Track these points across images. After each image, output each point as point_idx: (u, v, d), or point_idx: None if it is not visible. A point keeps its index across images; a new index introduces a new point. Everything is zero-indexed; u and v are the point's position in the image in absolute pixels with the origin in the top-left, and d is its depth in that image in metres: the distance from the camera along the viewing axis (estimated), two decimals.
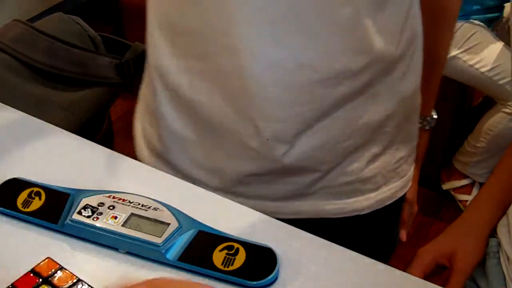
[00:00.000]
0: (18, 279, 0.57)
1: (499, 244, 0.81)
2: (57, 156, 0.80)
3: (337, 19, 0.64)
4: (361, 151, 0.75)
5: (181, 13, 0.67)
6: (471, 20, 1.83)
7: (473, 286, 0.82)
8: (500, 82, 1.82)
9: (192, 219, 0.68)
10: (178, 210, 0.68)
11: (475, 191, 2.04)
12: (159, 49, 0.72)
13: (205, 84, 0.69)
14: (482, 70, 1.81)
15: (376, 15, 0.65)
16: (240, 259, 0.63)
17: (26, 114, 0.88)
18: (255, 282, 0.61)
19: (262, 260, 0.63)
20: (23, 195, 0.70)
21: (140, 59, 1.37)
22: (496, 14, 1.92)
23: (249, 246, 0.64)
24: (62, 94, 1.31)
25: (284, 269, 0.64)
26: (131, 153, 0.84)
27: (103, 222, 0.66)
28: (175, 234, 0.65)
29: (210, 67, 0.68)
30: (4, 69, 1.28)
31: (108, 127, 1.48)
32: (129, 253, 0.65)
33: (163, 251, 0.64)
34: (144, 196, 0.69)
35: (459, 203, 2.05)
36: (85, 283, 0.57)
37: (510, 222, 0.80)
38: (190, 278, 0.63)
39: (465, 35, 1.81)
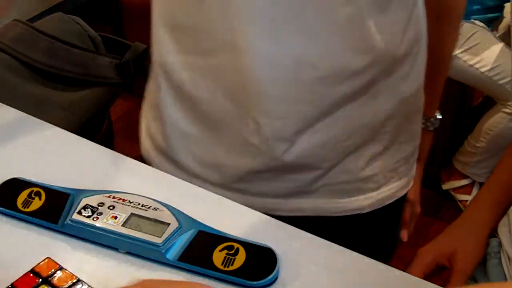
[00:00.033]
0: (17, 279, 0.57)
1: (500, 244, 0.81)
2: (57, 156, 0.80)
3: (338, 19, 0.64)
4: (362, 150, 0.75)
5: (185, 10, 0.68)
6: (471, 20, 1.83)
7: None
8: (500, 82, 1.82)
9: (192, 219, 0.68)
10: (178, 210, 0.68)
11: (475, 191, 2.04)
12: (163, 46, 0.73)
13: (206, 81, 0.70)
14: (482, 70, 1.81)
15: (377, 15, 0.65)
16: (240, 259, 0.63)
17: (26, 114, 0.88)
18: (255, 282, 0.61)
19: (262, 260, 0.63)
20: (23, 195, 0.70)
21: (140, 59, 1.37)
22: (496, 14, 1.91)
23: (249, 246, 0.64)
24: (62, 94, 1.31)
25: (284, 269, 0.64)
26: (131, 153, 0.84)
27: (103, 222, 0.66)
28: (175, 234, 0.65)
29: (211, 64, 0.69)
30: (4, 69, 1.28)
31: (108, 127, 1.48)
32: (129, 253, 0.65)
33: (163, 251, 0.64)
34: (144, 196, 0.69)
35: (459, 203, 2.05)
36: (85, 283, 0.57)
37: (511, 222, 0.80)
38: (190, 278, 0.63)
39: (465, 35, 1.81)
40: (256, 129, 0.70)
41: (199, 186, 0.78)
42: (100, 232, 0.65)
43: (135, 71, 1.37)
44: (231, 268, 0.62)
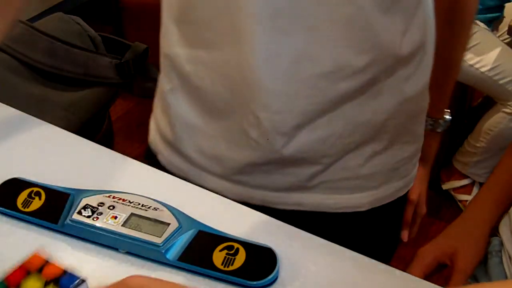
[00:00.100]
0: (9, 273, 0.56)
1: (501, 243, 0.81)
2: (57, 156, 0.80)
3: (338, 18, 0.64)
4: (362, 148, 0.75)
5: (191, 4, 0.69)
6: None
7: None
8: (500, 82, 1.82)
9: (192, 219, 0.68)
10: (178, 210, 0.68)
11: (475, 191, 2.04)
12: (170, 37, 0.74)
13: (210, 73, 0.71)
14: (482, 70, 1.81)
15: (379, 16, 0.65)
16: (240, 259, 0.63)
17: (26, 114, 0.88)
18: (255, 282, 0.61)
19: (262, 260, 0.63)
20: (23, 195, 0.70)
21: (140, 59, 1.37)
22: (496, 14, 1.91)
23: (249, 246, 0.64)
24: (62, 94, 1.31)
25: (284, 269, 0.64)
26: (131, 153, 0.84)
27: (103, 222, 0.66)
28: (175, 234, 0.65)
29: (215, 57, 0.70)
30: (4, 69, 1.28)
31: (108, 127, 1.48)
32: (129, 253, 0.65)
33: (163, 251, 0.64)
34: (144, 196, 0.69)
35: (459, 203, 2.05)
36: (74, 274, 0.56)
37: None
38: (190, 278, 0.63)
39: None
40: (255, 123, 0.70)
41: (203, 177, 0.79)
42: (100, 232, 0.65)
43: (135, 71, 1.37)
44: (231, 268, 0.62)
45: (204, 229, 0.67)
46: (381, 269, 0.66)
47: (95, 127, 1.42)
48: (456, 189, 2.06)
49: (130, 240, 0.64)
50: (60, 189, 0.71)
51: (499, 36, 1.95)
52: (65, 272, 0.53)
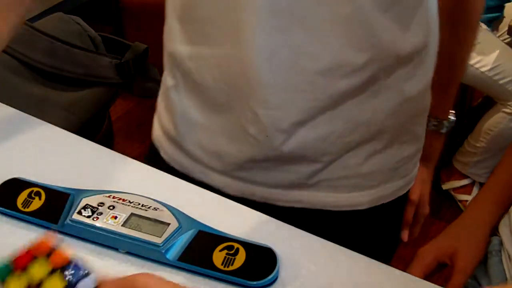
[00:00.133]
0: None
1: (501, 243, 0.81)
2: (57, 156, 0.80)
3: (337, 16, 0.64)
4: (362, 147, 0.75)
5: (194, 0, 0.70)
6: None
7: (475, 284, 0.82)
8: (500, 82, 1.82)
9: (192, 219, 0.68)
10: (178, 210, 0.68)
11: (475, 191, 2.04)
12: (173, 35, 0.75)
13: (211, 70, 0.72)
14: (482, 69, 1.81)
15: (379, 15, 0.65)
16: (240, 259, 0.63)
17: (26, 114, 0.88)
18: (255, 282, 0.61)
19: (262, 260, 0.63)
20: (23, 195, 0.70)
21: (140, 59, 1.37)
22: (496, 14, 1.91)
23: (249, 246, 0.64)
24: (62, 94, 1.31)
25: (284, 269, 0.64)
26: (131, 153, 0.84)
27: (103, 222, 0.66)
28: (175, 234, 0.65)
29: (215, 54, 0.71)
30: (4, 69, 1.28)
31: (108, 127, 1.48)
32: (129, 253, 0.65)
33: (163, 251, 0.64)
34: (144, 196, 0.69)
35: (459, 203, 2.05)
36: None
37: (511, 221, 0.80)
38: (190, 278, 0.63)
39: None
40: (254, 119, 0.71)
41: (205, 173, 0.79)
42: (100, 232, 0.65)
43: (135, 71, 1.37)
44: (231, 268, 0.62)
45: (204, 229, 0.67)
46: (381, 269, 0.66)
47: (95, 127, 1.42)
48: (456, 189, 2.06)
49: (130, 240, 0.64)
50: (60, 189, 0.71)
51: (499, 36, 1.95)
52: (71, 262, 0.52)
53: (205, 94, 0.74)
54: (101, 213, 0.67)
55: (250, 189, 0.78)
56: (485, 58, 1.81)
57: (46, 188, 0.71)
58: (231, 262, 0.63)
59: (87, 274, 0.50)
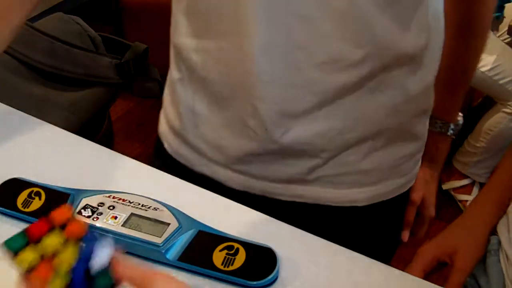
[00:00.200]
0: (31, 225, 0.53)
1: (499, 242, 0.81)
2: (57, 156, 0.80)
3: (333, 11, 0.65)
4: (361, 144, 0.75)
5: None
6: None
7: (474, 283, 0.82)
8: (501, 82, 1.82)
9: (192, 219, 0.68)
10: (178, 210, 0.68)
11: (475, 191, 2.04)
12: (179, 28, 0.76)
13: (215, 63, 0.73)
14: (483, 69, 1.81)
15: (374, 11, 0.66)
16: (240, 259, 0.63)
17: (26, 114, 0.88)
18: (255, 282, 0.61)
19: (262, 260, 0.63)
20: (23, 195, 0.70)
21: (140, 59, 1.37)
22: (496, 14, 1.91)
23: (249, 246, 0.64)
24: (62, 94, 1.31)
25: (284, 269, 0.64)
26: (131, 153, 0.84)
27: (103, 222, 0.66)
28: (175, 234, 0.65)
29: (218, 47, 0.71)
30: (4, 69, 1.28)
31: (108, 127, 1.48)
32: (129, 253, 0.65)
33: (163, 251, 0.64)
34: (144, 196, 0.69)
35: (459, 203, 2.05)
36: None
37: (510, 221, 0.80)
38: (190, 278, 0.63)
39: None
40: (253, 113, 0.71)
41: (207, 166, 0.80)
42: (100, 232, 0.65)
43: (135, 71, 1.37)
44: (231, 268, 0.62)
45: (204, 229, 0.67)
46: (381, 269, 0.66)
47: (95, 127, 1.42)
48: (456, 189, 2.06)
49: (130, 240, 0.64)
50: (60, 189, 0.71)
51: (499, 36, 1.95)
52: (87, 233, 0.50)
53: (209, 87, 0.75)
54: (101, 213, 0.67)
55: (250, 183, 0.78)
56: (485, 58, 1.81)
57: (46, 188, 0.71)
58: (231, 262, 0.63)
59: (102, 246, 0.47)
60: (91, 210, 0.67)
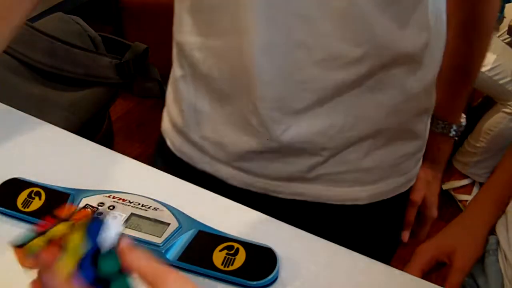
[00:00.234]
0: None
1: (498, 242, 0.81)
2: (57, 156, 0.80)
3: (332, 10, 0.65)
4: (362, 143, 0.76)
5: None
6: None
7: (472, 283, 0.82)
8: (501, 82, 1.82)
9: (192, 219, 0.68)
10: (178, 210, 0.68)
11: (475, 191, 2.04)
12: (182, 26, 0.76)
13: (217, 60, 0.73)
14: (483, 69, 1.81)
15: (374, 10, 0.66)
16: (240, 259, 0.63)
17: (26, 114, 0.88)
18: (255, 282, 0.61)
19: (262, 260, 0.63)
20: (23, 195, 0.70)
21: (140, 59, 1.37)
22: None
23: (249, 246, 0.64)
24: (62, 94, 1.31)
25: (284, 269, 0.64)
26: (131, 153, 0.84)
27: None
28: (175, 234, 0.65)
29: (221, 45, 0.72)
30: (4, 69, 1.28)
31: (108, 127, 1.48)
32: None
33: (163, 251, 0.64)
34: (144, 196, 0.69)
35: (459, 203, 2.05)
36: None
37: (508, 221, 0.80)
38: (190, 278, 0.63)
39: None
40: (254, 110, 0.72)
41: (208, 163, 0.80)
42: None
43: (135, 71, 1.37)
44: (231, 268, 0.62)
45: (204, 229, 0.67)
46: (381, 269, 0.66)
47: (95, 127, 1.42)
48: (456, 189, 2.06)
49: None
50: (60, 189, 0.71)
51: (499, 36, 1.95)
52: (93, 217, 0.49)
53: (211, 84, 0.75)
54: (101, 213, 0.67)
55: (252, 180, 0.79)
56: (485, 58, 1.81)
57: (46, 188, 0.71)
58: (231, 262, 0.63)
59: (109, 225, 0.46)
60: (91, 210, 0.67)
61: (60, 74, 1.31)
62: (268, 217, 0.72)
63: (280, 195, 0.79)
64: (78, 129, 1.30)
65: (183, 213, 0.68)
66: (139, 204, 0.68)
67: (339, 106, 0.71)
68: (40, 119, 0.87)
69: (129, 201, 0.68)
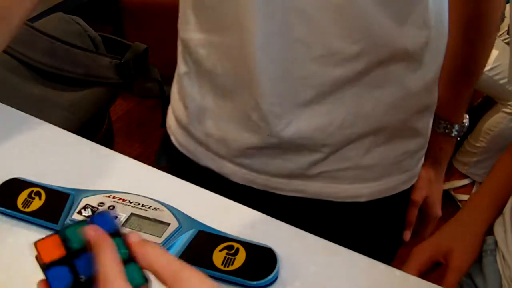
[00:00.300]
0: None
1: (496, 243, 0.81)
2: (57, 156, 0.80)
3: (330, 6, 0.65)
4: (362, 140, 0.76)
5: None
6: None
7: (470, 283, 0.82)
8: (501, 81, 1.82)
9: (192, 219, 0.68)
10: (178, 210, 0.68)
11: (475, 191, 2.04)
12: (187, 23, 0.77)
13: (220, 57, 0.74)
14: None
15: (371, 7, 0.66)
16: (240, 259, 0.63)
17: (26, 114, 0.88)
18: (255, 282, 0.61)
19: (262, 260, 0.63)
20: (23, 195, 0.70)
21: (140, 59, 1.37)
22: None
23: (249, 246, 0.64)
24: (62, 94, 1.31)
25: (284, 269, 0.64)
26: (131, 153, 0.84)
27: None
28: (175, 234, 0.65)
29: (223, 41, 0.72)
30: (4, 69, 1.28)
31: (108, 127, 1.48)
32: None
33: None
34: (144, 196, 0.69)
35: (459, 203, 2.05)
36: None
37: (506, 221, 0.80)
38: None
39: None
40: (255, 105, 0.72)
41: (211, 159, 0.80)
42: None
43: (135, 71, 1.37)
44: (231, 268, 0.62)
45: (204, 229, 0.67)
46: (381, 269, 0.66)
47: (95, 127, 1.42)
48: (456, 189, 2.06)
49: None
50: (60, 189, 0.71)
51: (499, 36, 1.95)
52: (95, 213, 0.48)
53: (215, 81, 0.76)
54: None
55: (253, 177, 0.79)
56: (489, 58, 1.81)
57: (46, 188, 0.71)
58: (231, 262, 0.63)
59: (109, 215, 0.45)
60: (91, 210, 0.67)
61: (60, 74, 1.31)
62: (268, 217, 0.72)
63: (280, 192, 0.79)
64: (78, 129, 1.30)
65: (183, 213, 0.68)
66: (139, 204, 0.68)
67: (338, 103, 0.71)
68: (40, 119, 0.87)
69: (129, 201, 0.68)
